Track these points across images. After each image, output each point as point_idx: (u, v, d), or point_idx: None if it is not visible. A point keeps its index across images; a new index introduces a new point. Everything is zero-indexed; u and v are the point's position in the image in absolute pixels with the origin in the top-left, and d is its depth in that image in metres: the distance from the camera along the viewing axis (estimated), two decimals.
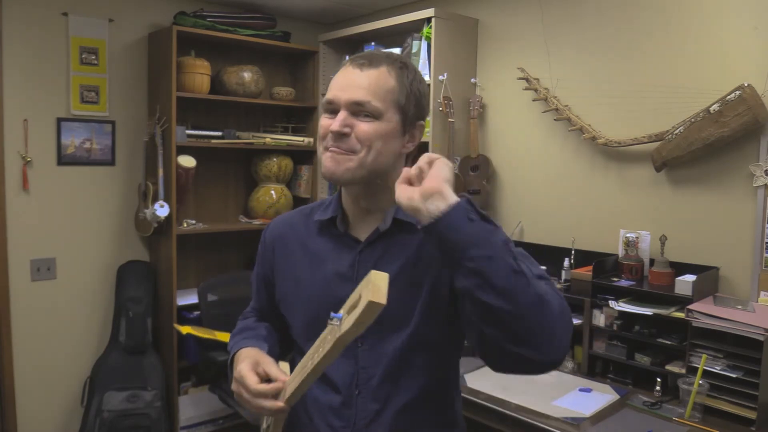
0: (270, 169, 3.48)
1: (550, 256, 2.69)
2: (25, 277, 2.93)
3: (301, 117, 3.68)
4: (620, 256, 2.42)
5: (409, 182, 0.94)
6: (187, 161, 3.10)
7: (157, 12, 3.21)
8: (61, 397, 3.07)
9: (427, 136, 2.88)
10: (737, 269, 2.18)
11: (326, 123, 1.10)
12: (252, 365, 1.05)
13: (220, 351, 2.67)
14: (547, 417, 1.93)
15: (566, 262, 2.60)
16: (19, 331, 2.92)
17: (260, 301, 1.33)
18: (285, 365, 1.08)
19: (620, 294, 2.27)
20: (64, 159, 3.00)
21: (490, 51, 2.99)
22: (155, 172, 3.02)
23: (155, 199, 2.99)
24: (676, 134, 2.25)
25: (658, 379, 2.11)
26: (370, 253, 1.13)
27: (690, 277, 2.13)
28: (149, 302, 3.15)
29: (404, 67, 1.12)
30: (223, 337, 2.65)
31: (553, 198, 2.76)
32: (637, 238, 2.37)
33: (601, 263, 2.38)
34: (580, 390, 2.15)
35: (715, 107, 2.12)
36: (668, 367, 2.11)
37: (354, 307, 0.80)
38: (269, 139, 3.40)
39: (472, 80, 3.01)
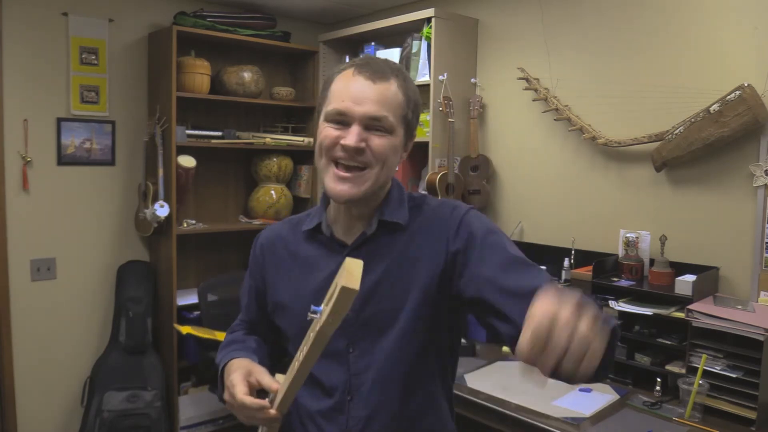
0: (270, 169, 3.48)
1: (550, 256, 2.69)
2: (25, 277, 2.93)
3: (301, 117, 3.68)
4: (620, 256, 2.42)
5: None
6: (187, 161, 3.10)
7: (157, 12, 3.21)
8: (61, 397, 3.07)
9: (427, 136, 2.89)
10: (737, 269, 2.18)
11: (333, 133, 1.06)
12: (244, 375, 1.04)
13: None
14: (547, 417, 1.93)
15: (566, 262, 2.60)
16: (19, 331, 2.92)
17: (250, 314, 1.31)
18: (281, 377, 1.06)
19: (620, 294, 2.27)
20: (64, 159, 3.00)
21: (490, 51, 2.99)
22: (155, 172, 3.02)
23: (155, 199, 2.99)
24: (676, 134, 2.25)
25: (658, 379, 2.11)
26: (356, 256, 1.09)
27: (690, 277, 2.13)
28: (149, 302, 3.15)
29: (406, 77, 1.12)
30: (223, 337, 2.65)
31: (553, 198, 2.76)
32: (637, 238, 2.37)
33: (601, 263, 2.38)
34: (580, 390, 2.14)
35: (715, 107, 2.12)
36: (668, 367, 2.11)
37: (331, 298, 0.81)
38: (269, 139, 3.40)
39: (472, 80, 3.01)
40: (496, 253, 1.06)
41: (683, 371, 2.01)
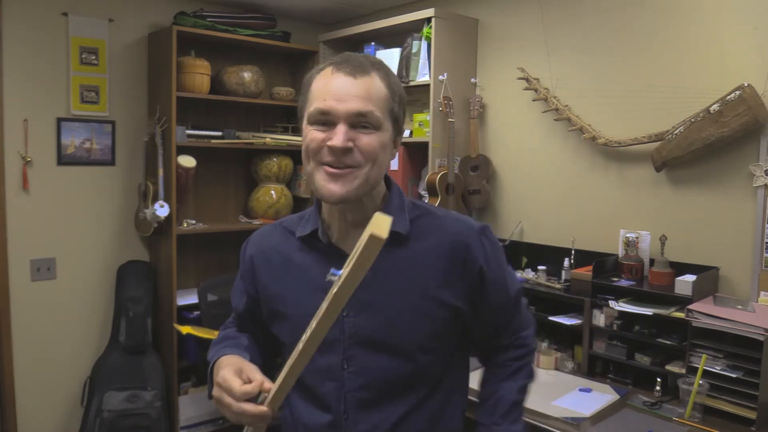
0: (270, 169, 3.48)
1: (550, 256, 2.70)
2: (25, 277, 2.93)
3: None
4: (620, 256, 2.42)
5: None
6: (187, 161, 3.10)
7: (157, 12, 3.21)
8: (61, 397, 3.07)
9: (427, 136, 2.89)
10: (737, 269, 2.18)
11: (318, 136, 1.02)
12: (235, 371, 1.00)
13: None
14: (547, 417, 1.93)
15: (566, 262, 2.60)
16: (19, 331, 2.92)
17: (242, 316, 1.27)
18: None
19: (620, 294, 2.27)
20: (64, 159, 3.00)
21: (490, 51, 2.99)
22: (155, 172, 3.02)
23: (155, 199, 2.99)
24: (676, 134, 2.25)
25: (658, 379, 2.11)
26: None
27: (690, 277, 2.13)
28: (149, 302, 3.15)
29: (387, 71, 1.07)
30: None
31: (553, 198, 2.76)
32: (637, 238, 2.37)
33: (601, 263, 2.38)
34: (580, 390, 2.15)
35: (715, 107, 2.12)
36: (668, 367, 2.11)
37: (352, 255, 0.78)
38: (269, 139, 3.40)
39: (472, 80, 3.01)
40: (500, 294, 1.16)
41: (683, 371, 2.02)
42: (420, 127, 2.97)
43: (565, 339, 2.50)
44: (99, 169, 3.12)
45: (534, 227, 2.84)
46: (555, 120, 2.67)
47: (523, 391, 1.20)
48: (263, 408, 0.93)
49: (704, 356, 1.92)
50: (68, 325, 3.07)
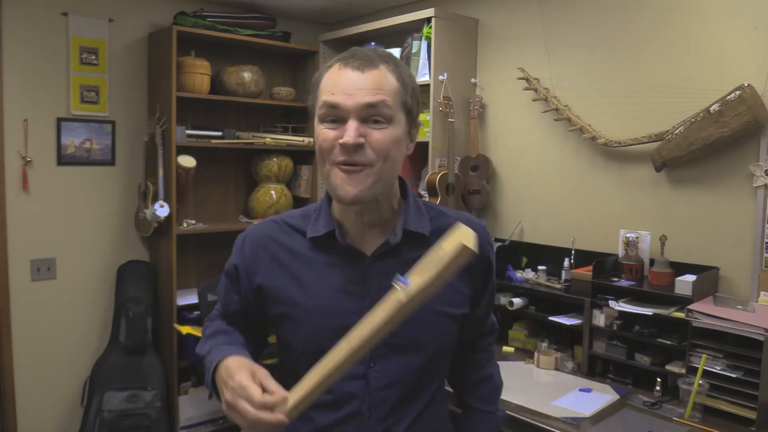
0: (270, 169, 3.48)
1: (550, 256, 2.70)
2: (25, 277, 2.93)
3: (301, 117, 3.68)
4: (620, 256, 2.42)
5: None
6: (187, 161, 3.10)
7: (157, 12, 3.21)
8: (61, 397, 3.07)
9: (427, 136, 2.89)
10: (737, 269, 2.18)
11: (330, 135, 0.99)
12: (251, 376, 0.96)
13: None
14: (547, 417, 1.93)
15: (566, 262, 2.60)
16: (19, 331, 2.92)
17: (232, 314, 1.19)
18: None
19: (620, 294, 2.27)
20: (64, 159, 3.00)
21: (490, 51, 2.99)
22: (155, 172, 3.02)
23: (155, 199, 2.99)
24: (676, 134, 2.25)
25: (658, 379, 2.11)
26: (380, 267, 1.07)
27: (690, 277, 2.13)
28: (149, 302, 3.15)
29: (398, 63, 1.05)
30: None
31: (553, 198, 2.76)
32: (637, 238, 2.37)
33: (601, 263, 2.37)
34: (580, 390, 2.15)
35: (715, 107, 2.12)
36: (668, 367, 2.11)
37: (429, 265, 0.75)
38: (269, 139, 3.40)
39: (472, 80, 3.01)
40: (493, 289, 1.26)
41: (683, 371, 2.01)
42: (420, 127, 2.97)
43: (565, 339, 2.50)
44: (99, 169, 3.12)
45: (534, 227, 2.84)
46: (555, 120, 2.67)
47: (499, 374, 1.35)
48: (282, 417, 0.88)
49: (704, 356, 1.92)
50: (68, 325, 3.07)
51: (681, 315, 2.04)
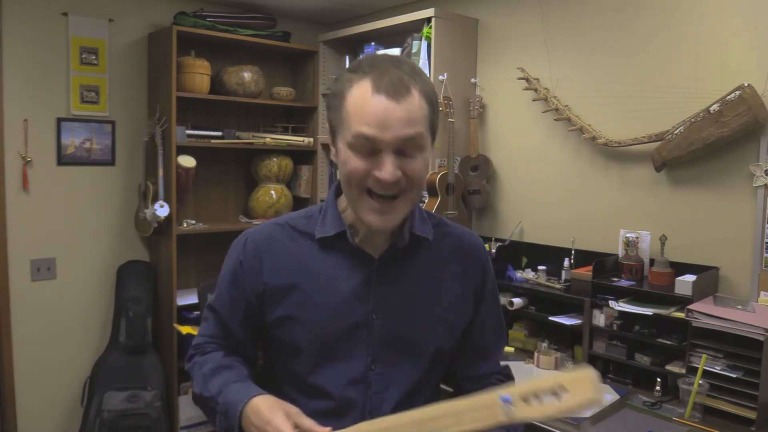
0: (270, 169, 3.48)
1: (550, 256, 2.69)
2: (25, 277, 2.93)
3: (301, 117, 3.68)
4: (620, 256, 2.42)
5: None
6: (187, 161, 3.10)
7: (157, 12, 3.21)
8: (61, 397, 3.07)
9: None
10: (737, 269, 2.18)
11: (362, 167, 0.96)
12: (286, 418, 0.93)
13: None
14: (547, 417, 1.92)
15: (566, 262, 2.60)
16: (19, 331, 2.92)
17: (231, 331, 1.15)
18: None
19: (620, 294, 2.27)
20: (64, 159, 3.00)
21: (490, 51, 2.99)
22: (155, 172, 3.02)
23: (155, 199, 2.99)
24: (676, 134, 2.25)
25: (658, 379, 2.11)
26: (386, 270, 1.08)
27: (690, 277, 2.13)
28: (149, 302, 3.15)
29: (422, 77, 1.00)
30: None
31: (553, 198, 2.75)
32: (637, 238, 2.37)
33: (601, 263, 2.37)
34: None
35: (715, 107, 2.12)
36: (668, 367, 2.11)
37: (545, 395, 0.73)
38: (269, 139, 3.40)
39: (472, 80, 3.01)
40: (491, 313, 1.22)
41: (683, 371, 2.01)
42: None
43: (565, 339, 2.50)
44: (99, 169, 3.12)
45: (534, 227, 2.84)
46: (555, 120, 2.67)
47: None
48: None
49: (704, 356, 1.92)
50: (68, 325, 3.07)
51: (681, 315, 2.04)
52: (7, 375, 2.89)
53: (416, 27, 2.97)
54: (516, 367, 2.38)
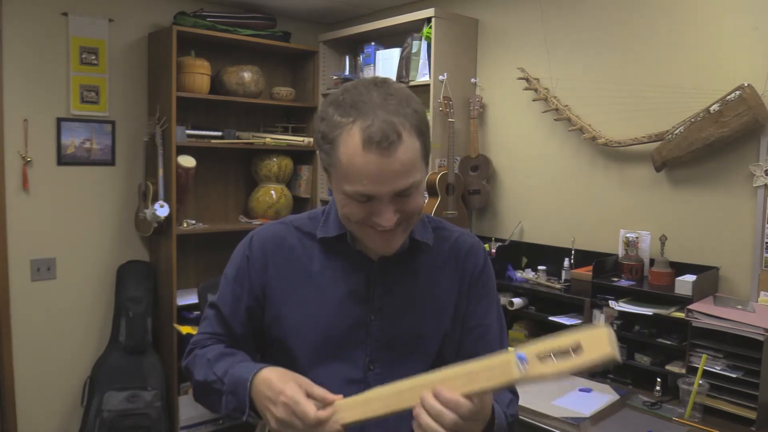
0: (270, 169, 3.48)
1: (550, 256, 2.70)
2: (25, 277, 2.93)
3: (301, 117, 3.68)
4: (620, 256, 2.42)
5: None
6: (187, 161, 3.10)
7: (157, 12, 3.21)
8: (61, 397, 3.07)
9: None
10: (737, 269, 2.18)
11: (360, 213, 0.97)
12: (298, 387, 0.93)
13: None
14: (547, 417, 1.93)
15: (566, 262, 2.60)
16: (19, 331, 2.92)
17: (233, 327, 1.14)
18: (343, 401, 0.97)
19: (620, 294, 2.27)
20: (64, 159, 3.00)
21: (490, 51, 2.99)
22: (155, 172, 3.02)
23: (155, 199, 2.99)
24: (676, 134, 2.25)
25: (658, 379, 2.11)
26: (385, 272, 1.09)
27: (690, 277, 2.13)
28: (149, 302, 3.15)
29: (412, 108, 0.96)
30: None
31: (553, 198, 2.76)
32: (637, 238, 2.37)
33: (601, 263, 2.37)
34: (580, 390, 2.14)
35: (715, 107, 2.12)
36: (668, 367, 2.11)
37: (561, 353, 0.73)
38: (269, 139, 3.40)
39: (472, 80, 3.01)
40: (491, 313, 1.18)
41: (683, 371, 2.01)
42: None
43: None
44: (99, 169, 3.12)
45: (534, 227, 2.84)
46: (555, 120, 2.67)
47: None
48: (338, 428, 0.89)
49: (704, 356, 1.92)
50: (68, 325, 3.07)
51: (681, 315, 2.04)
52: (7, 375, 2.89)
53: (416, 27, 2.97)
54: None
